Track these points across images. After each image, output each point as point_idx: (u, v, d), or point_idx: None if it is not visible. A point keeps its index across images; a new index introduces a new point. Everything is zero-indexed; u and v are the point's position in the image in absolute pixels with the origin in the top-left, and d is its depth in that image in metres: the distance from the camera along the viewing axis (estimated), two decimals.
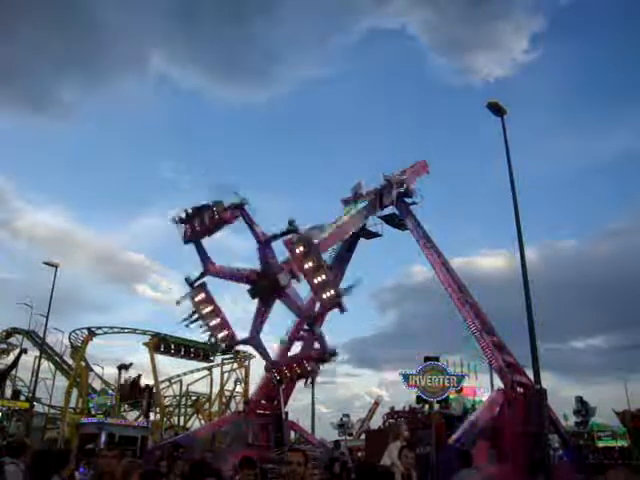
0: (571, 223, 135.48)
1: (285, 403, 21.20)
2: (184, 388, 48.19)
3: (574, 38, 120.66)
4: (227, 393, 46.92)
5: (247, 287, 17.72)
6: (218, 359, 46.16)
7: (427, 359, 18.69)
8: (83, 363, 42.33)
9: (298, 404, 22.55)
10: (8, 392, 39.00)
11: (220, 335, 18.54)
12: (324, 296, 16.10)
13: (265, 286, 17.15)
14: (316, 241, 16.62)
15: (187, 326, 18.76)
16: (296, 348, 23.07)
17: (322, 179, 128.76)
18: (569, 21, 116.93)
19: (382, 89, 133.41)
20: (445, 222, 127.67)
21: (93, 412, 37.36)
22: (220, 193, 17.39)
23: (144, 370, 44.22)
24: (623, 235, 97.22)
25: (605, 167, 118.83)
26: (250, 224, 16.98)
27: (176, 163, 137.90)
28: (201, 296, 17.88)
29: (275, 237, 16.84)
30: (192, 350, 44.89)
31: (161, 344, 43.40)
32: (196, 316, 18.06)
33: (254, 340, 18.24)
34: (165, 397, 46.93)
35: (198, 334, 19.30)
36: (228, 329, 18.17)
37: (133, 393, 40.66)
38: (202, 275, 18.20)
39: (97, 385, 44.14)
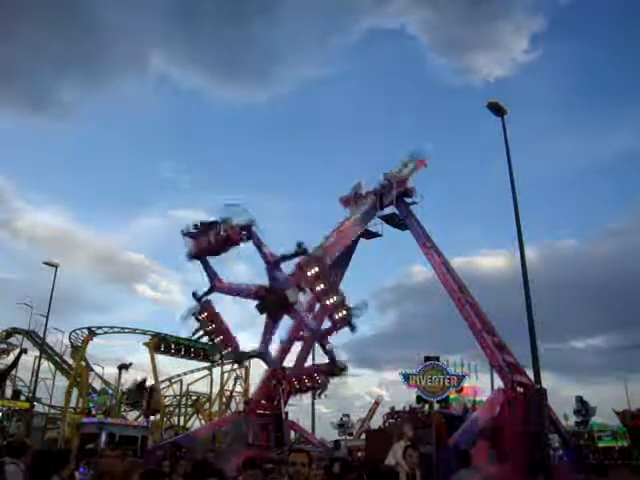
0: (571, 223, 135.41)
1: (285, 403, 21.19)
2: (184, 388, 48.28)
3: (574, 38, 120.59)
4: (227, 393, 46.94)
5: (255, 302, 17.92)
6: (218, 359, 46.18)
7: (427, 359, 18.68)
8: (83, 363, 42.36)
9: (298, 404, 22.54)
10: (8, 392, 39.00)
11: (224, 352, 18.88)
12: (336, 317, 16.38)
13: (273, 302, 17.28)
14: (327, 262, 16.79)
15: (195, 341, 19.33)
16: (296, 348, 23.15)
17: (322, 179, 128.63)
18: (569, 21, 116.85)
19: (382, 89, 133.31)
20: (445, 222, 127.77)
21: (93, 412, 37.37)
22: (229, 212, 17.42)
23: (144, 370, 44.31)
24: (623, 235, 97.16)
25: (605, 167, 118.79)
26: (259, 245, 17.07)
27: (176, 163, 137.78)
28: (204, 314, 18.12)
29: (284, 258, 16.98)
30: (192, 350, 44.91)
31: (161, 344, 43.43)
32: (201, 332, 18.42)
33: (264, 355, 18.48)
34: (165, 397, 46.94)
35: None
36: (232, 345, 18.44)
37: (140, 395, 40.65)
38: (209, 291, 18.38)
39: (97, 385, 44.18)
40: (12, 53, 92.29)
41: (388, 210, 23.65)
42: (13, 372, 34.52)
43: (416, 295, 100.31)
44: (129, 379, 41.55)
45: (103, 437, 25.45)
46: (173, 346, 44.39)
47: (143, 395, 38.87)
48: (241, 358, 19.75)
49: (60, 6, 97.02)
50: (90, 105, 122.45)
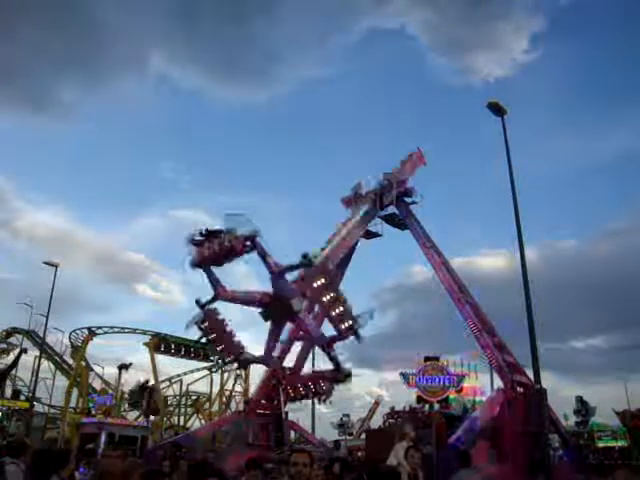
0: (571, 223, 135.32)
1: (285, 403, 21.19)
2: (184, 388, 48.27)
3: (574, 38, 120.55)
4: (227, 393, 46.94)
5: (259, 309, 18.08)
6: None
7: (427, 359, 18.70)
8: (83, 363, 42.38)
9: (298, 403, 22.55)
10: (8, 392, 39.01)
11: (227, 359, 19.03)
12: (342, 327, 16.46)
13: (278, 310, 17.38)
14: (332, 269, 16.88)
15: (196, 341, 19.58)
16: (296, 348, 23.15)
17: (322, 179, 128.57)
18: (569, 21, 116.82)
19: (382, 89, 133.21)
20: (445, 222, 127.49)
21: (93, 412, 37.37)
22: (233, 222, 17.45)
23: (144, 370, 44.31)
24: (623, 235, 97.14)
25: (605, 167, 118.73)
26: (263, 256, 17.14)
27: (176, 163, 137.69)
28: (206, 324, 18.21)
29: (289, 269, 17.03)
30: (192, 350, 44.91)
31: (161, 344, 43.44)
32: (204, 340, 18.56)
33: (269, 360, 18.61)
34: (165, 397, 46.92)
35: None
36: (235, 352, 18.51)
37: (143, 396, 40.63)
38: (213, 300, 18.40)
39: (97, 385, 44.17)
40: (12, 53, 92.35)
41: (388, 210, 23.67)
42: (13, 372, 34.51)
43: (416, 295, 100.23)
44: (129, 379, 41.59)
45: (103, 437, 25.45)
46: (173, 346, 44.39)
47: (145, 396, 38.92)
48: (245, 365, 19.87)
49: (60, 6, 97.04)
50: (90, 105, 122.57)
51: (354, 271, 22.08)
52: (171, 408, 48.05)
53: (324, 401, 20.61)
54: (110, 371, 44.31)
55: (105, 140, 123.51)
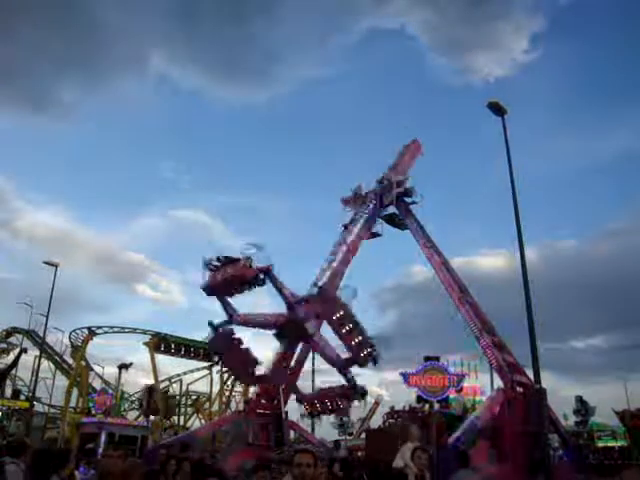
0: (571, 223, 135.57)
1: (285, 403, 21.19)
2: (184, 387, 48.27)
3: (574, 38, 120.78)
4: (227, 392, 46.93)
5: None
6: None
7: (427, 359, 18.70)
8: (83, 363, 42.38)
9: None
10: (8, 391, 39.06)
11: (239, 380, 19.64)
12: (361, 355, 16.75)
13: (293, 333, 17.67)
14: (351, 306, 17.35)
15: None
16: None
17: (322, 179, 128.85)
18: (569, 21, 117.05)
19: (382, 89, 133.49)
20: (445, 222, 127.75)
21: (93, 412, 37.37)
22: (250, 252, 17.86)
23: (144, 370, 44.33)
24: (623, 235, 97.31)
25: (605, 167, 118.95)
26: (279, 288, 17.46)
27: (176, 163, 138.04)
28: (221, 345, 19.05)
29: (305, 300, 17.29)
30: (192, 349, 44.92)
31: (161, 344, 43.45)
32: (216, 359, 19.07)
33: (277, 378, 19.01)
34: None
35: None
36: (246, 372, 18.92)
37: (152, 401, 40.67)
38: (226, 323, 18.67)
39: (97, 385, 44.19)
40: (12, 53, 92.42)
41: (388, 210, 23.65)
42: (13, 372, 34.53)
43: (416, 295, 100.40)
44: (129, 379, 41.61)
45: (103, 437, 25.46)
46: (173, 346, 44.43)
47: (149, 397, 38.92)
48: (259, 382, 20.43)
49: (60, 6, 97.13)
50: (90, 105, 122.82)
51: (354, 271, 22.08)
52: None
53: (341, 419, 21.34)
54: (110, 371, 44.42)
55: (105, 140, 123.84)
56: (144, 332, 43.60)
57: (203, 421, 44.18)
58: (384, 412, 45.97)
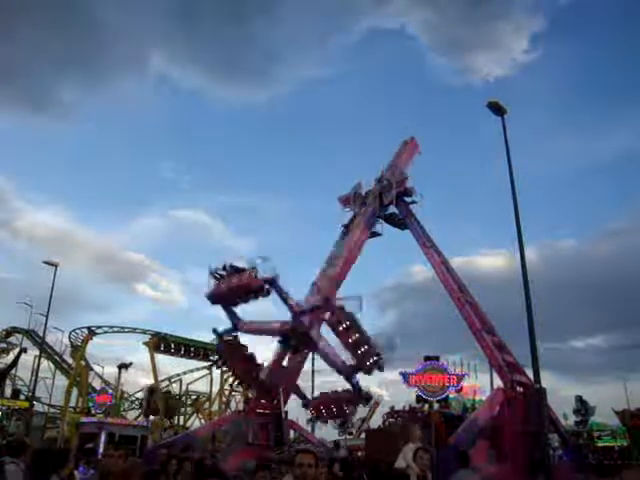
0: (571, 223, 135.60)
1: (285, 402, 21.21)
2: (184, 387, 48.27)
3: (574, 38, 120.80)
4: (227, 392, 46.93)
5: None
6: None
7: (427, 358, 18.72)
8: (83, 362, 42.37)
9: (298, 403, 22.58)
10: (8, 391, 39.07)
11: (243, 384, 19.97)
12: (367, 363, 17.08)
13: (297, 340, 17.76)
14: (358, 316, 17.42)
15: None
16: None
17: (322, 179, 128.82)
18: (569, 21, 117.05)
19: (382, 89, 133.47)
20: (445, 222, 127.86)
21: (93, 411, 37.38)
22: (257, 263, 17.99)
23: (144, 369, 44.32)
24: (623, 235, 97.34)
25: (605, 167, 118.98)
26: (284, 299, 17.55)
27: (176, 163, 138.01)
28: (225, 351, 19.51)
29: (311, 310, 17.32)
30: (192, 349, 44.91)
31: (161, 343, 43.43)
32: (221, 362, 19.32)
33: (278, 380, 19.77)
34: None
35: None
36: (251, 377, 19.04)
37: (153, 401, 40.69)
38: (231, 331, 18.76)
39: (97, 384, 44.19)
40: (12, 53, 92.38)
41: (388, 210, 23.65)
42: (13, 371, 34.54)
43: (416, 295, 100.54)
44: (129, 379, 41.63)
45: (102, 437, 25.46)
46: (173, 345, 44.40)
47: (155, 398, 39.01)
48: (266, 388, 20.74)
49: (60, 6, 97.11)
50: (90, 105, 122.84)
51: (354, 271, 22.10)
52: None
53: (346, 424, 21.62)
54: (110, 370, 44.43)
55: (105, 140, 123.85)
56: (144, 332, 43.60)
57: (203, 421, 44.17)
58: (384, 412, 46.06)
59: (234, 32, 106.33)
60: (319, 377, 34.48)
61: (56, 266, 27.08)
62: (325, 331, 18.46)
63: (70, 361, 44.51)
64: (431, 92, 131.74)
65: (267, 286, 17.36)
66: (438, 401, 19.02)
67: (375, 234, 24.62)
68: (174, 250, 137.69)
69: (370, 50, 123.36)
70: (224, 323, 20.00)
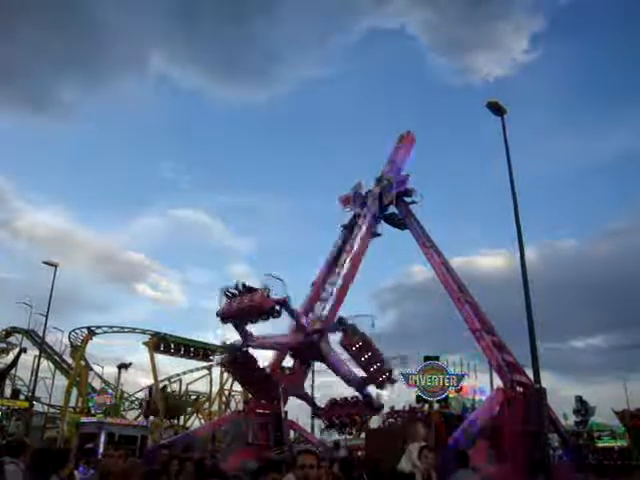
0: (571, 223, 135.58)
1: (285, 402, 21.21)
2: (184, 387, 48.26)
3: (574, 38, 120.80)
4: (227, 392, 46.93)
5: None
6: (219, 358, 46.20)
7: (427, 358, 18.76)
8: (83, 362, 42.37)
9: (298, 403, 22.62)
10: (8, 391, 39.07)
11: (249, 396, 20.20)
12: (379, 379, 17.68)
13: (307, 353, 17.92)
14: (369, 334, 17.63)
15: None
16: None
17: (322, 179, 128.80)
18: (569, 21, 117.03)
19: (382, 89, 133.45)
20: (445, 222, 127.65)
21: (93, 411, 37.40)
22: (271, 283, 17.93)
23: (144, 369, 44.32)
24: (623, 235, 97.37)
25: (605, 167, 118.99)
26: (297, 319, 17.59)
27: (176, 163, 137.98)
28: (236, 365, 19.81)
29: (323, 330, 17.43)
30: (192, 349, 44.91)
31: (161, 343, 43.44)
32: (232, 377, 19.53)
33: (301, 393, 20.25)
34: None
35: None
36: (269, 396, 20.00)
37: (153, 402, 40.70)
38: (241, 347, 18.88)
39: (97, 384, 44.20)
40: (12, 53, 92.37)
41: (388, 210, 23.65)
42: (12, 371, 34.54)
43: (416, 295, 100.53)
44: (129, 379, 41.66)
45: (102, 437, 25.48)
46: (173, 345, 44.40)
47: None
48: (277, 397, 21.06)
49: (60, 6, 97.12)
50: (90, 105, 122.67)
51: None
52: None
53: (357, 433, 21.85)
54: (110, 370, 44.45)
55: (105, 140, 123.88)
56: (144, 332, 43.60)
57: (203, 421, 44.16)
58: (383, 412, 46.05)
59: (234, 32, 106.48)
60: (319, 377, 34.46)
61: (56, 266, 27.09)
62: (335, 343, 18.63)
63: (70, 361, 44.51)
64: (431, 92, 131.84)
65: (278, 307, 17.36)
66: (438, 401, 19.07)
67: (375, 234, 24.63)
68: (174, 250, 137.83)
69: (370, 50, 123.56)
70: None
